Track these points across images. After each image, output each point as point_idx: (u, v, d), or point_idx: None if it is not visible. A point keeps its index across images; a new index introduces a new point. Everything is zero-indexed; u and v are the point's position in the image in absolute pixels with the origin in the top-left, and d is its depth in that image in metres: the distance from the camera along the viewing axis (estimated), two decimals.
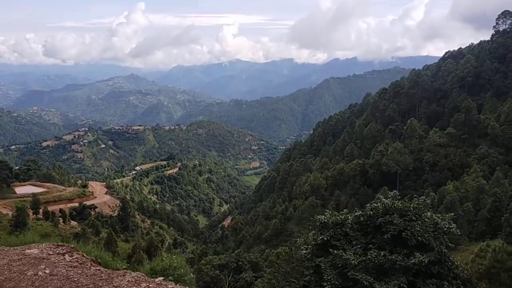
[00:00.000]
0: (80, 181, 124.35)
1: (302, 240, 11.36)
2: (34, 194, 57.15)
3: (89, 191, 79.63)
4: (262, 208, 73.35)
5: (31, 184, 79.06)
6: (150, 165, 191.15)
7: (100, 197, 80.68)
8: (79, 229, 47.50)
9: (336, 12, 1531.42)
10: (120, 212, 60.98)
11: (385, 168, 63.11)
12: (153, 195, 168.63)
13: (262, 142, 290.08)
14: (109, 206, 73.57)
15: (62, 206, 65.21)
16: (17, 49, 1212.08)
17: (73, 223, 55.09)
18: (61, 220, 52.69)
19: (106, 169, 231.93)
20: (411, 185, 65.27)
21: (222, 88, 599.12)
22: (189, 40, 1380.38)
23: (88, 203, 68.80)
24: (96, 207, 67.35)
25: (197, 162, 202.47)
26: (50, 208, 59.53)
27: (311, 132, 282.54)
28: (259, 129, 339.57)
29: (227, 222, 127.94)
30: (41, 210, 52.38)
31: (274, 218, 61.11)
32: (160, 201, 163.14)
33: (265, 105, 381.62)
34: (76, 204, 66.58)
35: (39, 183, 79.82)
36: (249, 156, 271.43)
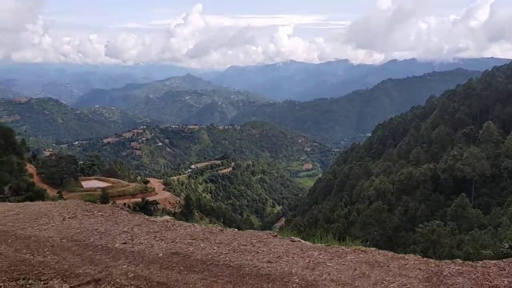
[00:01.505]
0: (139, 177, 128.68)
1: None
2: (103, 189, 59.35)
3: (151, 187, 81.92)
4: (323, 211, 71.98)
5: (96, 179, 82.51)
6: (205, 163, 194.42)
7: (161, 193, 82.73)
8: None
9: (395, 12, 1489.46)
10: (183, 209, 62.06)
11: (459, 173, 59.45)
12: (207, 194, 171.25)
13: (315, 144, 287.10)
14: (170, 203, 75.17)
15: (126, 201, 67.15)
16: (81, 49, 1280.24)
17: None
18: None
19: (162, 166, 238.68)
20: (487, 193, 61.06)
21: (275, 88, 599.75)
22: (244, 41, 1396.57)
23: (150, 198, 70.54)
24: (158, 203, 68.94)
25: (250, 162, 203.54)
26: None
27: (368, 134, 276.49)
28: (312, 131, 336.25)
29: (280, 223, 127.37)
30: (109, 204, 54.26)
31: (336, 222, 59.62)
32: (214, 200, 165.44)
33: (319, 106, 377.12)
34: (139, 200, 68.41)
35: (103, 177, 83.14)
36: (302, 158, 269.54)
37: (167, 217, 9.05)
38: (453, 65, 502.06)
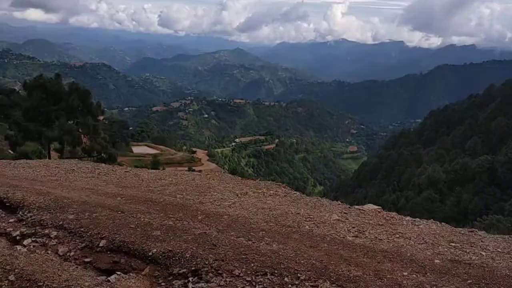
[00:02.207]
0: (185, 147, 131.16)
1: None
2: (154, 155, 60.78)
3: (197, 158, 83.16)
4: (369, 195, 70.62)
5: (146, 145, 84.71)
6: (249, 138, 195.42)
7: (206, 164, 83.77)
8: None
9: None
10: None
11: None
12: (249, 168, 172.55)
13: (362, 126, 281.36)
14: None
15: (172, 168, 68.35)
16: (136, 17, 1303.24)
17: None
18: None
19: (207, 138, 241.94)
20: None
21: (325, 68, 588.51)
22: (296, 17, 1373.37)
23: (196, 168, 71.51)
24: None
25: (294, 140, 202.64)
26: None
27: (418, 120, 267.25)
28: (360, 113, 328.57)
29: None
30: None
31: (383, 208, 58.08)
32: (255, 175, 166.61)
33: (369, 88, 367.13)
34: (186, 168, 69.49)
35: (153, 144, 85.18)
36: (347, 140, 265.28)
37: (372, 206, 8.36)
38: None
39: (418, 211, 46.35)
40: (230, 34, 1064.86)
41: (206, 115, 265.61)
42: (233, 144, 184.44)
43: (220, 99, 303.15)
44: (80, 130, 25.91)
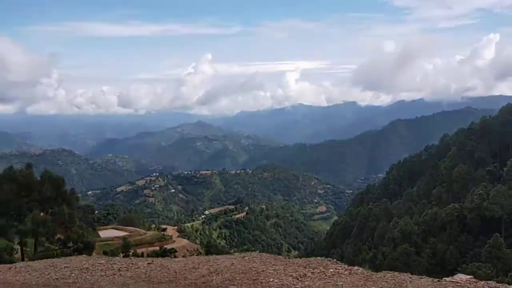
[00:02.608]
0: (153, 225, 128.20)
1: None
2: (123, 238, 59.37)
3: (168, 235, 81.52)
4: (346, 256, 70.76)
5: (113, 228, 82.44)
6: (219, 209, 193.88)
7: (178, 241, 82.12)
8: None
9: (400, 54, 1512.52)
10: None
11: (487, 213, 58.72)
12: (222, 240, 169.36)
13: (328, 186, 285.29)
14: (187, 250, 74.45)
15: (143, 249, 66.77)
16: (94, 100, 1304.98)
17: None
18: None
19: (175, 213, 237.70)
20: None
21: (285, 132, 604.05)
22: (253, 86, 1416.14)
23: (168, 246, 70.04)
24: (176, 251, 68.35)
25: (264, 206, 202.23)
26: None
27: (380, 175, 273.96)
28: (324, 173, 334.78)
29: None
30: (131, 254, 54.12)
31: (360, 266, 58.29)
32: (228, 246, 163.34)
33: (330, 148, 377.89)
34: (157, 248, 67.98)
35: (121, 226, 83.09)
36: (315, 200, 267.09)
37: (463, 276, 8.06)
38: (462, 104, 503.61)
39: (396, 266, 46.99)
40: (191, 108, 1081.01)
41: (173, 190, 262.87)
42: (203, 216, 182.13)
43: (185, 173, 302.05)
44: (55, 221, 25.54)
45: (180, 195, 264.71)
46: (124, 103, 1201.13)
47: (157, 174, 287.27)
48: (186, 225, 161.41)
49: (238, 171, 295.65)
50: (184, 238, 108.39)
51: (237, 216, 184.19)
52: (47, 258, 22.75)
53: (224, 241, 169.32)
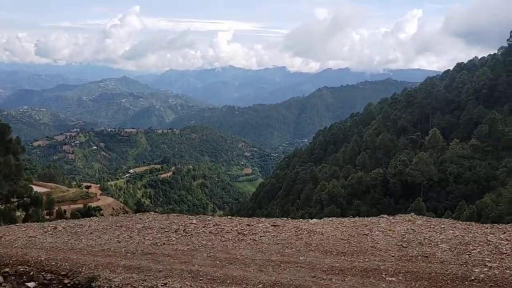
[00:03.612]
0: (74, 182, 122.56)
1: None
2: (46, 194, 55.99)
3: (92, 193, 78.51)
4: (274, 215, 72.80)
5: (33, 184, 77.49)
6: (144, 168, 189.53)
7: (103, 199, 79.52)
8: None
9: (331, 22, 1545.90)
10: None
11: (409, 178, 63.08)
12: (146, 199, 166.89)
13: (255, 149, 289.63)
14: (113, 209, 72.38)
15: (66, 207, 63.89)
16: (9, 47, 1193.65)
17: None
18: None
19: (97, 171, 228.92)
20: (434, 197, 65.40)
21: (214, 93, 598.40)
22: (183, 44, 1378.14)
23: (92, 204, 67.63)
24: (101, 209, 66.15)
25: (191, 167, 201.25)
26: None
27: (304, 140, 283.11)
28: (252, 136, 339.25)
29: None
30: (54, 211, 51.32)
31: None
32: (153, 205, 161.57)
33: (258, 112, 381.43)
34: (81, 206, 65.34)
35: (41, 182, 78.32)
36: (242, 163, 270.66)
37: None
38: (383, 75, 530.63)
39: None
40: (115, 62, 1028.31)
41: (95, 147, 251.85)
42: (128, 175, 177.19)
43: (109, 129, 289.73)
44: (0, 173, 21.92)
45: (103, 153, 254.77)
46: (42, 52, 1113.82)
47: (78, 129, 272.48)
48: (109, 183, 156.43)
49: (165, 131, 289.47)
50: (108, 196, 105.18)
51: (163, 175, 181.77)
52: None
53: (149, 200, 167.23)
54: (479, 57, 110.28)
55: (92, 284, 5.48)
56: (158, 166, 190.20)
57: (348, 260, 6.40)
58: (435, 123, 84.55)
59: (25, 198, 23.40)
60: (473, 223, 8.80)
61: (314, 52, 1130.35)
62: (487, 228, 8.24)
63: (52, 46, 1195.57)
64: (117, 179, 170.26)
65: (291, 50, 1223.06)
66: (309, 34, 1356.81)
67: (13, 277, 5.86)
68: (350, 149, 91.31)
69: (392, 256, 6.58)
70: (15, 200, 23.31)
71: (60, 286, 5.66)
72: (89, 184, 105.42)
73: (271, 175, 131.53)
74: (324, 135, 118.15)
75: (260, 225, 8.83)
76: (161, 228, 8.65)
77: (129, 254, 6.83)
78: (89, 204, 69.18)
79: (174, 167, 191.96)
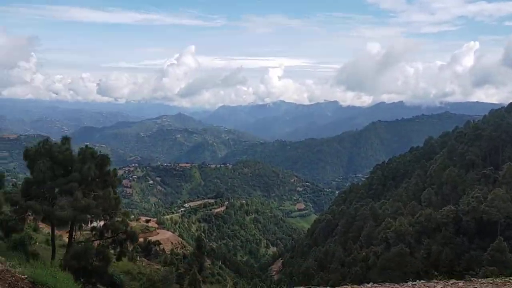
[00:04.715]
0: (132, 216, 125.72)
1: None
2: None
3: (152, 227, 79.80)
4: (336, 255, 70.23)
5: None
6: (198, 202, 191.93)
7: (162, 233, 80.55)
8: (156, 267, 46.70)
9: (384, 57, 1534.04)
10: (196, 251, 59.91)
11: (485, 216, 58.73)
12: (200, 233, 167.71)
13: (307, 183, 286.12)
14: (172, 243, 73.09)
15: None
16: (73, 87, 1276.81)
17: (143, 259, 54.51)
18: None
19: (153, 205, 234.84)
20: None
21: (266, 128, 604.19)
22: (236, 81, 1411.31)
23: (152, 238, 68.47)
24: (161, 243, 66.88)
25: (244, 202, 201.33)
26: None
27: (360, 175, 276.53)
28: (304, 171, 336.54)
29: (277, 265, 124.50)
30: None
31: (352, 266, 57.91)
32: (207, 240, 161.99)
33: (310, 146, 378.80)
34: (141, 240, 66.28)
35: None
36: (294, 198, 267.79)
37: None
38: (440, 108, 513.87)
39: (390, 267, 46.53)
40: (171, 100, 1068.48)
41: (151, 181, 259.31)
42: (182, 209, 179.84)
43: (164, 164, 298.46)
44: (99, 207, 20.95)
45: (159, 187, 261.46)
46: (103, 91, 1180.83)
47: (136, 164, 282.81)
48: (165, 217, 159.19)
49: (218, 165, 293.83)
50: (169, 230, 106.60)
51: (216, 210, 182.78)
52: (86, 252, 19.70)
53: (203, 234, 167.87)
54: None
55: None
56: (212, 201, 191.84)
57: None
58: (507, 156, 79.30)
59: (119, 234, 22.82)
60: None
61: (367, 86, 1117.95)
62: None
63: (112, 86, 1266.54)
64: (173, 213, 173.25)
65: (343, 85, 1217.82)
66: (362, 68, 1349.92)
67: None
68: (413, 185, 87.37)
69: None
70: (109, 236, 22.84)
71: None
72: (148, 218, 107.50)
73: (327, 211, 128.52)
74: (382, 169, 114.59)
75: None
76: None
77: None
78: (149, 238, 70.07)
79: (227, 202, 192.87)
